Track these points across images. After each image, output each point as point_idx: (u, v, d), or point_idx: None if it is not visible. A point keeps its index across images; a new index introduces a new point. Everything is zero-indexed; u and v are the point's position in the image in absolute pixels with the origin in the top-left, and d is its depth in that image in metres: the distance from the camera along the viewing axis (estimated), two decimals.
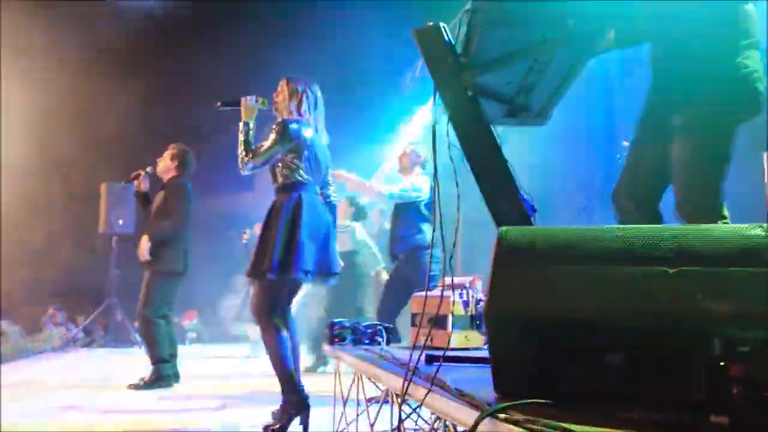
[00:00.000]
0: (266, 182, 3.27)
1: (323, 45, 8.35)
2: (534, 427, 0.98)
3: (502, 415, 1.08)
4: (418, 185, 4.32)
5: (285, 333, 2.98)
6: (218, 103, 3.19)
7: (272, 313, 2.98)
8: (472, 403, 1.23)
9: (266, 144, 3.02)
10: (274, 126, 3.06)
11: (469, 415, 1.19)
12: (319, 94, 3.19)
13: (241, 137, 3.05)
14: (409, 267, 4.26)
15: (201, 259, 6.20)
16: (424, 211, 4.31)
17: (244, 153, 3.02)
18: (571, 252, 1.19)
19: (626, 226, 1.27)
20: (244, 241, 7.43)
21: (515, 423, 1.04)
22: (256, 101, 3.10)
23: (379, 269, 6.13)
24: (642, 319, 1.13)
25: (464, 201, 1.64)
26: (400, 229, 4.36)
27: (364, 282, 6.07)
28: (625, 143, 2.57)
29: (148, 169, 4.92)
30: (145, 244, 4.68)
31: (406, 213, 4.35)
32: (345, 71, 8.38)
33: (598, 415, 1.04)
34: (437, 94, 1.74)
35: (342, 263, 3.35)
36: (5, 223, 8.86)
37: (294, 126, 3.04)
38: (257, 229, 7.25)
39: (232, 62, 8.88)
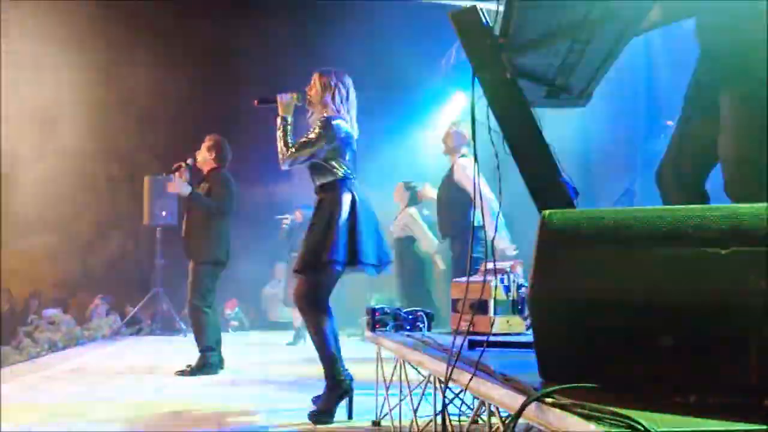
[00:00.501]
0: (305, 171, 3.31)
1: (360, 29, 8.33)
2: (583, 411, 0.97)
3: (549, 400, 1.07)
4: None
5: (328, 319, 3.04)
6: (256, 101, 3.26)
7: (318, 301, 3.04)
8: (518, 387, 1.22)
9: (309, 140, 3.05)
10: (317, 123, 3.08)
11: (515, 400, 1.19)
12: (350, 85, 3.20)
13: (279, 133, 3.09)
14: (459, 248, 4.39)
15: (241, 248, 6.30)
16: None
17: (285, 149, 3.07)
18: (619, 234, 1.16)
19: (674, 206, 1.24)
20: (284, 226, 7.50)
21: (562, 407, 1.03)
22: (291, 96, 3.14)
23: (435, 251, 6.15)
24: (694, 302, 1.10)
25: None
26: (455, 214, 4.45)
27: (427, 265, 6.09)
28: (669, 122, 2.50)
29: (188, 161, 5.02)
30: (184, 182, 4.85)
31: (460, 199, 4.42)
32: (381, 56, 8.36)
33: (651, 399, 1.02)
34: (475, 77, 1.71)
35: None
36: (56, 215, 9.16)
37: (337, 123, 3.07)
38: (298, 215, 7.35)
39: (271, 47, 8.94)
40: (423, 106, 9.19)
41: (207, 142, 5.04)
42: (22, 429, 2.88)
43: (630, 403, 1.00)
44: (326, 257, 2.94)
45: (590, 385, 1.12)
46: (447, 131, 4.62)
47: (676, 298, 1.12)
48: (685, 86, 2.33)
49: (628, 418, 0.91)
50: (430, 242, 5.89)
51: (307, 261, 3.02)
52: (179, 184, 4.85)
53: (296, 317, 7.43)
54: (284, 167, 3.12)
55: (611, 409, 0.95)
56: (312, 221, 3.11)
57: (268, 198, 9.58)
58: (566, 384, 1.12)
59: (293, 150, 3.05)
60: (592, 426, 0.92)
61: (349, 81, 3.20)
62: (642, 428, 0.88)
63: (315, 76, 3.18)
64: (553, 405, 1.05)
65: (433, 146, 6.88)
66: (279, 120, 3.11)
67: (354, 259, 2.98)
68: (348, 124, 3.13)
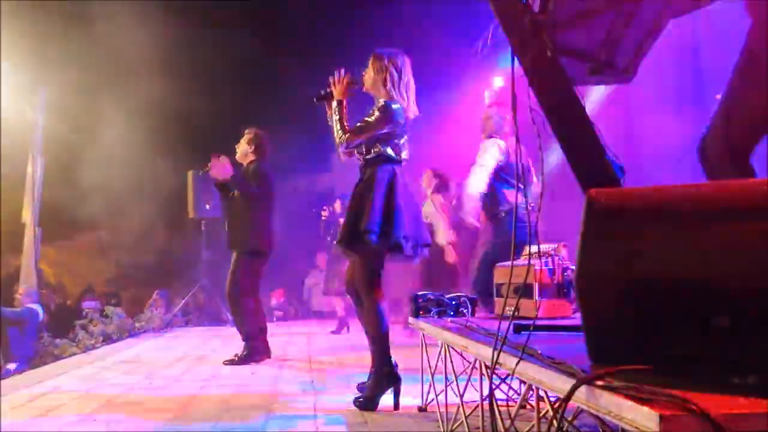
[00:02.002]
0: (344, 163, 3.33)
1: (390, 11, 8.25)
2: (635, 394, 0.94)
3: (599, 382, 1.05)
4: (495, 155, 4.18)
5: (383, 302, 3.06)
6: (315, 99, 3.29)
7: (373, 282, 3.06)
8: (567, 370, 1.20)
9: (368, 123, 3.07)
10: (377, 106, 3.10)
11: (564, 383, 1.16)
12: (405, 66, 3.17)
13: (335, 116, 3.14)
14: (495, 232, 4.17)
15: (284, 240, 6.37)
16: (501, 175, 4.20)
17: (341, 132, 3.10)
18: (668, 212, 1.12)
19: (728, 181, 1.19)
20: (323, 218, 7.56)
21: (614, 390, 1.00)
22: (347, 80, 3.19)
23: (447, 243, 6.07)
24: (749, 280, 1.06)
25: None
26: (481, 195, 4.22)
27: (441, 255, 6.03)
28: (718, 96, 2.39)
29: (221, 158, 5.06)
30: (225, 164, 4.82)
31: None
32: (414, 38, 8.26)
33: (707, 381, 0.98)
34: (515, 56, 1.67)
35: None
36: (105, 210, 9.41)
37: (395, 108, 3.07)
38: (338, 206, 7.38)
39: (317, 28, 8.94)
40: (459, 90, 9.06)
41: (247, 136, 5.10)
42: (82, 418, 2.99)
43: (684, 385, 0.97)
44: (362, 227, 2.94)
45: (642, 367, 1.09)
46: (487, 113, 4.43)
47: (731, 276, 1.07)
48: (731, 65, 2.23)
49: (684, 400, 0.88)
50: (444, 234, 5.80)
51: (347, 232, 3.04)
52: (220, 168, 4.85)
53: (339, 307, 7.50)
54: (341, 150, 3.15)
55: (665, 391, 0.92)
56: (352, 194, 3.12)
57: (309, 188, 9.66)
58: (617, 366, 1.09)
59: (350, 133, 3.08)
60: (646, 409, 0.89)
61: (402, 61, 3.17)
62: (698, 411, 0.85)
63: (370, 59, 3.19)
64: (604, 388, 1.02)
65: (468, 130, 6.77)
66: (335, 104, 3.16)
67: (388, 238, 2.96)
68: (404, 107, 3.12)
